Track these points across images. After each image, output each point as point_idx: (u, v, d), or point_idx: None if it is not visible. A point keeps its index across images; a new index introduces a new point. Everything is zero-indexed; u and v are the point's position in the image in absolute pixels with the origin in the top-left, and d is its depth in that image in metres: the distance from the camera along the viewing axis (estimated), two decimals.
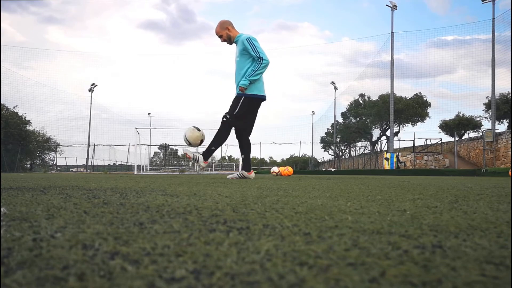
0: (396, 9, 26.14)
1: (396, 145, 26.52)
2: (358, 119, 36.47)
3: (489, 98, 23.28)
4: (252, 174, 5.53)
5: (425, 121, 31.88)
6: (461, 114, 30.53)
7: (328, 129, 41.38)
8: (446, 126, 30.74)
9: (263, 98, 5.22)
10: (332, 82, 36.05)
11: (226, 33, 5.06)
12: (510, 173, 11.08)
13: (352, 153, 38.20)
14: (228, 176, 5.62)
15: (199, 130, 5.44)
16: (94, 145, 34.45)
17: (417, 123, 31.87)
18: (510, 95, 25.42)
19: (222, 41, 5.13)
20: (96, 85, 34.65)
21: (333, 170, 27.45)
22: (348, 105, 37.40)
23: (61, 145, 35.06)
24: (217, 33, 5.15)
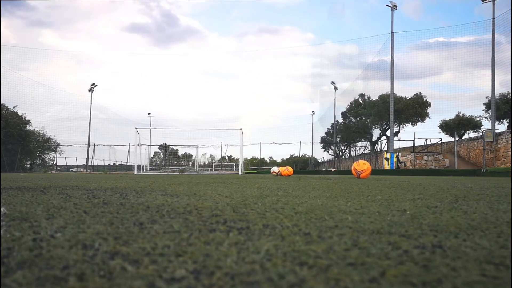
0: (396, 9, 26.15)
1: (396, 145, 26.50)
2: (358, 119, 36.48)
3: (489, 98, 23.28)
4: None
5: (425, 121, 31.89)
6: (461, 114, 30.51)
7: (328, 129, 41.39)
8: (446, 126, 30.72)
9: None
10: (332, 82, 36.07)
11: None
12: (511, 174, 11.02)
13: (352, 153, 38.19)
14: None
15: None
16: (94, 145, 34.48)
17: (417, 123, 31.85)
18: (510, 95, 25.43)
19: None
20: (96, 85, 34.67)
21: (333, 170, 27.45)
22: (348, 105, 37.41)
23: (61, 145, 35.09)
24: None
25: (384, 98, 30.51)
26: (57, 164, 36.15)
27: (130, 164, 37.15)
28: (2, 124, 27.34)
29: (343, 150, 40.92)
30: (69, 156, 36.51)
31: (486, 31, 22.83)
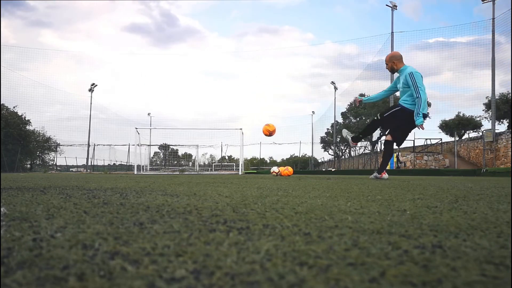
0: (396, 9, 26.17)
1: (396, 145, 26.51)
2: (358, 119, 36.49)
3: (489, 98, 23.29)
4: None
5: (425, 121, 31.97)
6: (461, 114, 30.51)
7: (328, 129, 41.42)
8: (446, 126, 30.70)
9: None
10: (332, 82, 36.07)
11: (391, 65, 6.04)
12: None
13: (352, 153, 38.23)
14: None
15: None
16: (94, 145, 34.50)
17: None
18: (510, 95, 25.41)
19: (386, 68, 6.15)
20: (96, 85, 34.68)
21: (333, 170, 27.44)
22: (348, 105, 37.43)
23: (61, 145, 35.12)
24: (385, 61, 6.13)
25: (384, 98, 30.49)
26: (57, 164, 36.17)
27: (130, 164, 37.20)
28: (2, 124, 27.33)
29: (343, 150, 40.89)
30: (69, 156, 36.57)
31: (486, 31, 22.87)
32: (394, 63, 6.02)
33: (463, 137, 27.96)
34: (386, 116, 6.19)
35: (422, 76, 5.82)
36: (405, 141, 6.48)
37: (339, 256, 0.68)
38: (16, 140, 29.84)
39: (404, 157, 23.42)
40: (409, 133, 6.24)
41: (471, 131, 29.64)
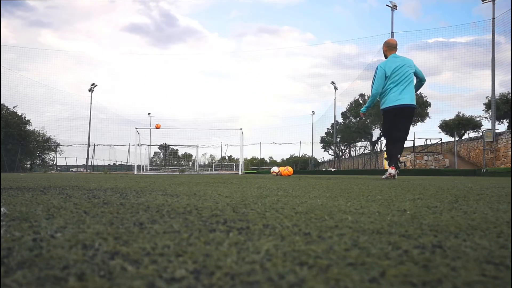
0: (396, 9, 26.19)
1: None
2: (358, 119, 36.48)
3: (489, 98, 23.30)
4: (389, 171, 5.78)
5: (425, 121, 31.99)
6: (461, 114, 30.52)
7: (328, 129, 41.42)
8: (446, 126, 30.72)
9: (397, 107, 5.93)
10: (332, 82, 36.07)
11: (383, 51, 6.18)
12: None
13: (352, 153, 38.25)
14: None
15: None
16: (94, 145, 34.51)
17: (417, 123, 31.86)
18: (510, 95, 25.41)
19: None
20: (96, 85, 34.70)
21: (333, 170, 27.46)
22: (348, 105, 37.43)
23: (61, 145, 35.14)
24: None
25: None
26: (57, 164, 36.19)
27: (130, 164, 37.22)
28: (2, 124, 27.33)
29: (343, 150, 40.89)
30: (69, 156, 36.60)
31: (485, 31, 22.93)
32: (385, 49, 6.14)
33: (463, 137, 27.97)
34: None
35: (385, 71, 5.79)
36: (406, 142, 6.33)
37: (339, 256, 0.68)
38: (16, 140, 29.82)
39: (404, 157, 23.41)
40: (403, 123, 5.89)
41: (471, 131, 29.65)
